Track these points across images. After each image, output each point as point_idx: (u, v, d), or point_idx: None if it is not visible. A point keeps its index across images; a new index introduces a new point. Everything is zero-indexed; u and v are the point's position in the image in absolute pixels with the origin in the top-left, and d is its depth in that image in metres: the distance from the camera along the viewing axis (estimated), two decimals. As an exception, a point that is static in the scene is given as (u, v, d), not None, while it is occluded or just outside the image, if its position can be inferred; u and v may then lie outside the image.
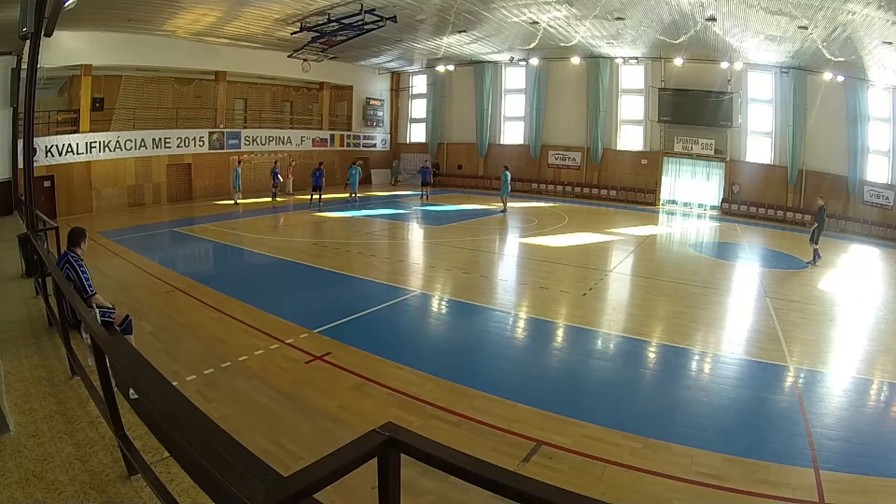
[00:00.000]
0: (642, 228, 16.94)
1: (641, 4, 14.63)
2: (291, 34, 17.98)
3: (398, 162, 28.77)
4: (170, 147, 18.98)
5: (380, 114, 28.36)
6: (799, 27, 13.83)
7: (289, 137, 23.58)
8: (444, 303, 8.91)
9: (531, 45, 19.27)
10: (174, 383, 2.91)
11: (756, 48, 17.43)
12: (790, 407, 5.34)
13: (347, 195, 20.54)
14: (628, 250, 13.46)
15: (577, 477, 4.02)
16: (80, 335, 4.31)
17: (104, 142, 16.97)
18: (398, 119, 29.54)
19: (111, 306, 4.67)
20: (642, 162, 22.98)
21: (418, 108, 28.83)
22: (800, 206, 19.43)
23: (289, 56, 20.97)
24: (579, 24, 16.92)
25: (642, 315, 8.38)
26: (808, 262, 12.18)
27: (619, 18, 16.12)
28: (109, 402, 2.73)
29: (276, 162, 21.11)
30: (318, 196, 19.26)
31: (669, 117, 21.69)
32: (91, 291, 4.47)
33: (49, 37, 9.20)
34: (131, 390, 3.02)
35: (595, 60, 22.33)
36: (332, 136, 25.75)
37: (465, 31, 18.57)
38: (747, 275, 11.76)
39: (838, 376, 6.25)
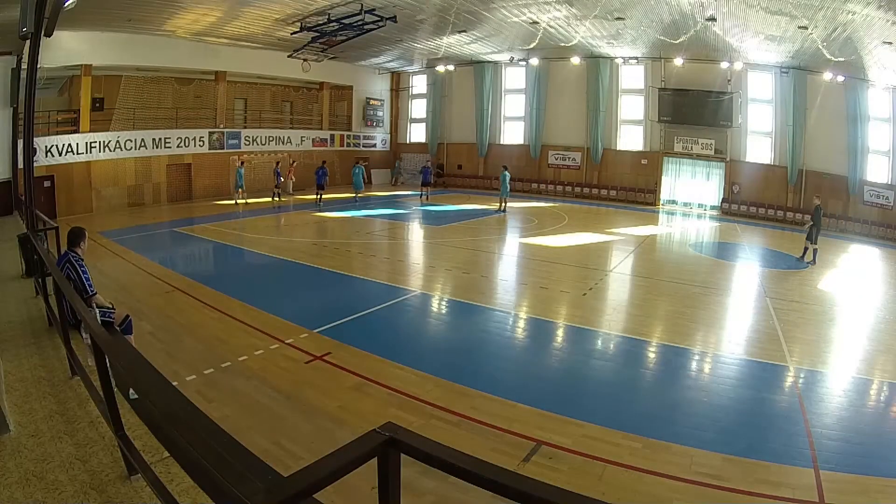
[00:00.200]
0: (642, 228, 16.93)
1: (641, 4, 14.63)
2: (291, 34, 17.98)
3: (400, 162, 28.79)
4: (170, 147, 18.98)
5: (380, 114, 28.36)
6: (799, 27, 13.83)
7: (289, 137, 23.59)
8: (444, 303, 8.91)
9: (531, 45, 19.27)
10: (174, 383, 2.91)
11: (756, 48, 17.43)
12: (790, 407, 5.34)
13: (360, 194, 20.67)
14: (628, 250, 13.46)
15: (577, 477, 4.02)
16: (80, 335, 4.31)
17: (104, 142, 16.98)
18: (398, 119, 29.54)
19: (111, 306, 4.67)
20: (642, 162, 22.97)
21: (418, 108, 28.82)
22: (800, 206, 19.42)
23: (289, 56, 20.97)
24: (579, 24, 16.92)
25: (642, 315, 8.37)
26: (808, 262, 12.20)
27: (619, 18, 16.12)
28: (109, 402, 2.73)
29: (277, 162, 21.14)
30: (319, 196, 19.34)
31: (669, 117, 21.69)
32: (92, 291, 4.47)
33: (49, 37, 9.20)
34: (131, 390, 3.02)
35: (595, 60, 22.33)
36: (332, 136, 25.76)
37: (465, 31, 18.57)
38: (747, 275, 11.76)
39: (838, 376, 6.25)
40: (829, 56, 15.08)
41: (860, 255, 15.13)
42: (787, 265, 12.33)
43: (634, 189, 23.04)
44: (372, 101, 27.77)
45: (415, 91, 28.79)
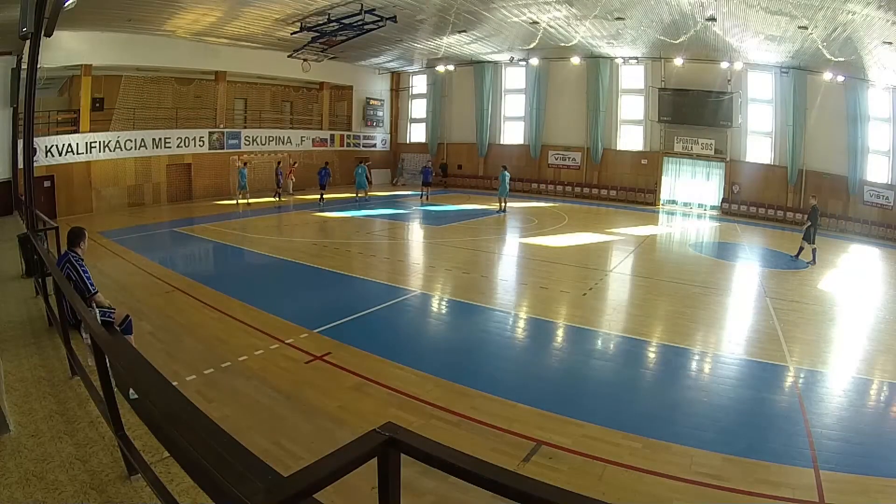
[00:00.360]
0: (642, 228, 16.93)
1: (641, 4, 14.63)
2: (291, 34, 17.99)
3: (403, 162, 28.80)
4: (170, 147, 18.99)
5: (380, 114, 28.37)
6: (799, 27, 13.83)
7: (289, 137, 23.59)
8: (444, 303, 8.91)
9: (531, 45, 19.27)
10: (174, 383, 2.91)
11: (756, 48, 17.43)
12: (790, 407, 5.34)
13: (363, 194, 20.76)
14: (628, 250, 13.46)
15: (577, 477, 4.02)
16: (80, 335, 4.31)
17: (104, 142, 16.98)
18: (398, 119, 29.55)
19: (111, 306, 4.67)
20: (642, 162, 22.98)
21: (418, 108, 28.82)
22: (800, 207, 19.42)
23: (289, 56, 20.98)
24: (579, 24, 16.93)
25: (642, 315, 8.37)
26: (807, 262, 12.20)
27: (619, 18, 16.12)
28: (109, 402, 2.73)
29: (279, 162, 21.17)
30: (320, 196, 19.37)
31: (669, 117, 21.69)
32: (93, 290, 4.47)
33: (49, 37, 9.20)
34: (131, 390, 3.02)
35: (595, 60, 22.33)
36: (332, 136, 25.77)
37: (465, 31, 18.57)
38: (747, 275, 11.76)
39: (838, 376, 6.25)
40: (829, 56, 15.08)
41: (860, 255, 15.13)
42: (787, 265, 12.33)
43: (634, 189, 23.04)
44: (372, 101, 27.77)
45: (415, 91, 28.79)
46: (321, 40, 18.61)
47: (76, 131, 16.40)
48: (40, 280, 5.97)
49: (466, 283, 9.83)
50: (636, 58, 21.49)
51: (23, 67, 12.09)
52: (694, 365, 6.63)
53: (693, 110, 21.12)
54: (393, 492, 1.48)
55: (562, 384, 5.90)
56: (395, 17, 15.89)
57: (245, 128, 22.31)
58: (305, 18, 16.64)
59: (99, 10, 13.60)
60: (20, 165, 12.35)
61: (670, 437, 4.59)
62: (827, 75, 17.66)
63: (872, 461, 4.36)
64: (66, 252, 4.61)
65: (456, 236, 14.29)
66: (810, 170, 19.49)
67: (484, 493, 1.36)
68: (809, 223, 12.16)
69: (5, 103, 14.07)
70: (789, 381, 6.00)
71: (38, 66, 8.42)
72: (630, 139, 23.48)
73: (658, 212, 21.51)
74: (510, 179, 19.05)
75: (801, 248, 12.51)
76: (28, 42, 8.27)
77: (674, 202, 22.75)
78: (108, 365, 2.68)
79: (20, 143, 11.72)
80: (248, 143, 21.80)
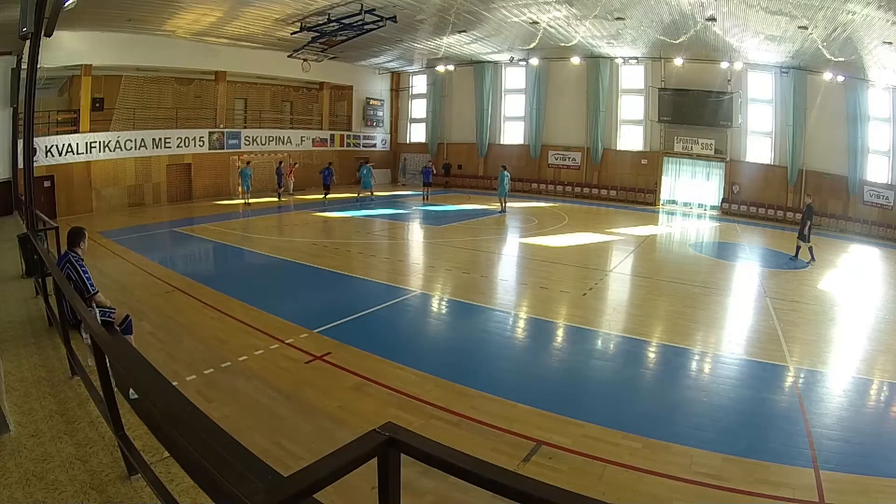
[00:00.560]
0: (642, 228, 16.93)
1: (641, 4, 14.63)
2: (291, 34, 17.99)
3: (405, 162, 28.81)
4: (170, 147, 18.99)
5: (380, 114, 28.37)
6: (799, 27, 13.83)
7: (289, 137, 23.60)
8: (444, 303, 8.91)
9: (531, 45, 19.27)
10: (174, 383, 2.91)
11: (756, 48, 17.43)
12: (790, 407, 5.34)
13: (368, 194, 20.86)
14: (628, 250, 13.46)
15: (577, 477, 4.02)
16: (80, 335, 4.31)
17: (104, 142, 16.98)
18: (398, 119, 29.55)
19: (111, 306, 4.67)
20: (642, 162, 22.98)
21: (418, 108, 28.83)
22: (800, 207, 19.34)
23: (289, 56, 20.98)
24: (579, 24, 16.92)
25: (642, 315, 8.37)
26: (806, 262, 12.21)
27: (619, 18, 16.12)
28: (109, 402, 2.73)
29: (280, 162, 21.18)
30: (324, 195, 19.42)
31: (669, 117, 21.70)
32: (93, 290, 4.47)
33: (49, 37, 9.19)
34: (131, 390, 3.02)
35: (595, 60, 22.33)
36: (332, 136, 25.77)
37: (465, 31, 18.57)
38: (747, 275, 11.76)
39: (838, 376, 6.25)
40: (829, 56, 15.08)
41: (860, 255, 15.13)
42: (787, 265, 12.33)
43: (634, 189, 23.04)
44: (372, 101, 27.77)
45: (415, 91, 28.79)
46: (321, 40, 18.62)
47: (76, 131, 16.40)
48: (40, 280, 5.97)
49: (466, 283, 9.83)
50: (636, 58, 21.49)
51: (23, 67, 12.08)
52: (694, 365, 6.62)
53: (693, 110, 21.12)
54: (393, 492, 1.48)
55: (562, 384, 5.90)
56: (395, 17, 15.89)
57: (245, 128, 22.32)
58: (305, 18, 16.64)
59: (99, 10, 13.60)
60: (20, 165, 12.35)
61: (670, 437, 4.59)
62: (827, 75, 17.66)
63: (872, 461, 4.35)
64: (66, 252, 4.61)
65: (456, 236, 14.29)
66: (810, 170, 19.49)
67: (484, 493, 1.36)
68: (808, 222, 12.16)
69: (5, 103, 14.07)
70: (789, 381, 5.99)
71: (38, 66, 8.42)
72: (630, 139, 23.48)
73: (658, 212, 21.51)
74: (510, 179, 19.07)
75: (799, 248, 12.51)
76: (28, 42, 8.26)
77: (674, 202, 22.75)
78: (108, 365, 2.68)
79: (20, 143, 11.71)
80: (248, 143, 21.81)
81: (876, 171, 18.06)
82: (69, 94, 17.07)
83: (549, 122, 24.76)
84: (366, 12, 15.28)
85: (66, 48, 14.81)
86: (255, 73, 22.00)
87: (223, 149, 20.85)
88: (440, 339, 7.49)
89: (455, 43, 20.73)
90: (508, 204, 18.95)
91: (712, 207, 21.78)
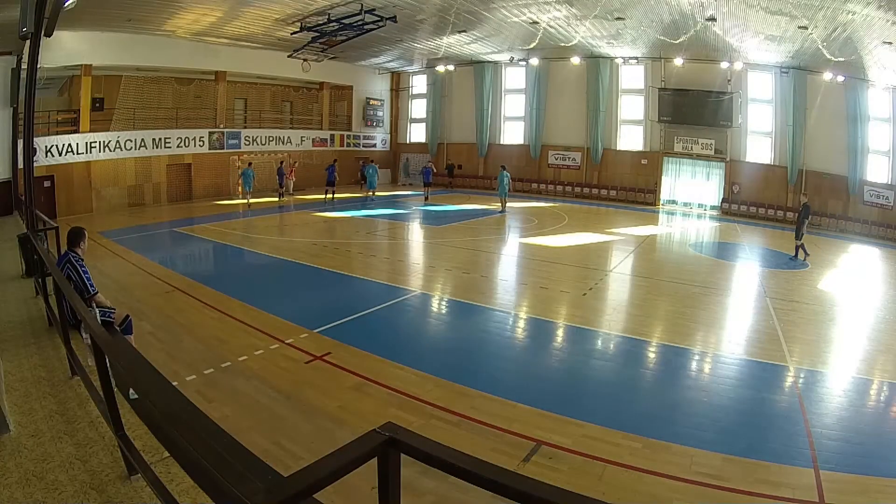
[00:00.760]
0: (642, 228, 16.94)
1: (641, 4, 14.63)
2: (291, 34, 17.99)
3: (407, 162, 28.82)
4: (170, 147, 18.99)
5: (380, 114, 28.37)
6: (799, 27, 13.83)
7: (289, 137, 23.60)
8: (444, 303, 8.91)
9: (531, 45, 19.28)
10: (174, 383, 2.91)
11: (756, 48, 17.43)
12: (790, 407, 5.34)
13: (371, 193, 21.04)
14: (628, 250, 13.46)
15: (577, 477, 4.02)
16: (80, 335, 4.31)
17: (104, 142, 16.98)
18: (398, 119, 29.55)
19: (111, 306, 4.67)
20: (642, 162, 22.98)
21: (418, 108, 28.83)
22: (799, 207, 19.41)
23: (289, 56, 20.98)
24: (579, 24, 16.93)
25: (642, 315, 8.37)
26: (805, 261, 12.20)
27: (619, 18, 16.13)
28: (109, 402, 2.73)
29: (281, 162, 21.18)
30: (331, 195, 19.43)
31: (669, 117, 21.70)
32: (93, 290, 4.47)
33: (49, 37, 9.18)
34: (131, 390, 3.02)
35: (595, 60, 22.33)
36: (332, 136, 25.77)
37: (465, 31, 18.57)
38: (747, 275, 11.76)
39: (838, 376, 6.25)
40: (829, 56, 15.09)
41: (860, 255, 15.13)
42: (787, 265, 12.33)
43: (634, 189, 23.04)
44: (372, 101, 27.78)
45: (415, 91, 28.80)
46: (321, 40, 18.62)
47: (76, 131, 16.40)
48: (40, 280, 5.97)
49: (466, 283, 9.83)
50: (636, 58, 21.49)
51: (23, 67, 12.09)
52: (694, 365, 6.62)
53: (693, 110, 21.13)
54: (393, 492, 1.47)
55: (562, 384, 5.90)
56: (395, 17, 15.89)
57: (245, 128, 22.32)
58: (305, 18, 16.64)
59: (99, 10, 13.60)
60: (20, 165, 12.35)
61: (670, 437, 4.59)
62: (827, 75, 17.67)
63: (872, 461, 4.35)
64: (66, 252, 4.61)
65: (456, 236, 14.30)
66: (810, 170, 19.49)
67: (484, 493, 1.36)
68: (807, 220, 12.16)
69: (5, 103, 14.08)
70: (789, 381, 5.99)
71: (38, 66, 8.40)
72: (630, 139, 23.48)
73: (658, 212, 21.52)
74: (510, 179, 19.06)
75: (798, 248, 12.51)
76: (28, 42, 8.26)
77: (674, 202, 22.76)
78: (108, 365, 2.68)
79: (20, 143, 11.71)
80: (248, 143, 21.82)
81: (876, 171, 18.06)
82: (69, 94, 17.07)
83: (549, 122, 24.76)
84: (366, 12, 15.28)
85: (66, 48, 14.81)
86: (255, 73, 22.00)
87: (223, 149, 20.85)
88: (440, 339, 7.49)
89: (455, 43, 20.73)
90: (508, 204, 18.95)
91: (712, 207, 21.78)
